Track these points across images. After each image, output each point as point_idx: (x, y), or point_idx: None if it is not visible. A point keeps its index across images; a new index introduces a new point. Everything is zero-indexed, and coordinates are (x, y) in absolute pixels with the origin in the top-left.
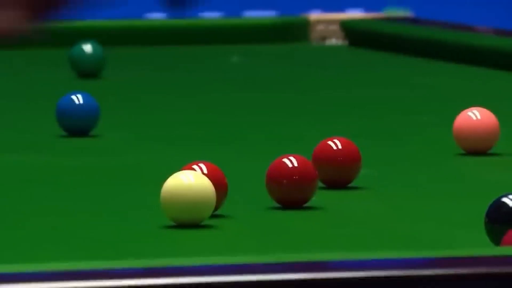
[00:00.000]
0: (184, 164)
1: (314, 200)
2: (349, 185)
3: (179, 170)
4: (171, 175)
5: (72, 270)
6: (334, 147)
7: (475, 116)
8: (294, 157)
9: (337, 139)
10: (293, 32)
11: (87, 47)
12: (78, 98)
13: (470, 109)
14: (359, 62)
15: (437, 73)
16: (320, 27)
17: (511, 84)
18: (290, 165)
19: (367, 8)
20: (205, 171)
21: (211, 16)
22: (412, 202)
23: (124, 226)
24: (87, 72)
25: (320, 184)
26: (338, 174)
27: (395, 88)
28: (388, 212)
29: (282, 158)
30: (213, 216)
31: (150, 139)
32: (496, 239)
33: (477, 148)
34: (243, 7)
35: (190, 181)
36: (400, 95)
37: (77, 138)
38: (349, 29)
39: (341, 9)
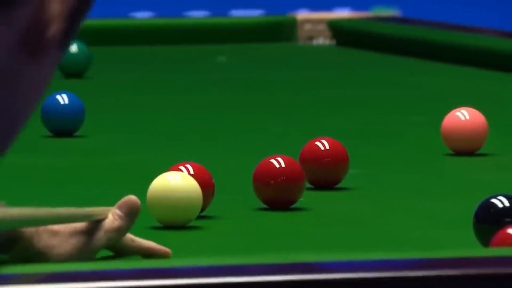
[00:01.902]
0: (171, 164)
1: (301, 201)
2: (337, 185)
3: (166, 171)
4: (157, 176)
5: (58, 271)
6: (322, 148)
7: (463, 116)
8: (281, 158)
9: (325, 140)
10: (280, 31)
11: (72, 47)
12: (63, 98)
13: (458, 109)
14: (346, 61)
15: (425, 72)
16: (308, 27)
17: (500, 84)
18: (277, 166)
19: (355, 8)
20: (192, 171)
21: (197, 15)
22: (400, 202)
23: None
24: (72, 72)
25: (308, 185)
26: (325, 175)
27: (383, 88)
28: (377, 213)
29: (269, 159)
30: (200, 217)
31: (136, 140)
32: (485, 240)
33: (465, 148)
34: (230, 6)
35: (177, 182)
36: (387, 95)
37: (62, 139)
38: (337, 29)
39: (328, 8)
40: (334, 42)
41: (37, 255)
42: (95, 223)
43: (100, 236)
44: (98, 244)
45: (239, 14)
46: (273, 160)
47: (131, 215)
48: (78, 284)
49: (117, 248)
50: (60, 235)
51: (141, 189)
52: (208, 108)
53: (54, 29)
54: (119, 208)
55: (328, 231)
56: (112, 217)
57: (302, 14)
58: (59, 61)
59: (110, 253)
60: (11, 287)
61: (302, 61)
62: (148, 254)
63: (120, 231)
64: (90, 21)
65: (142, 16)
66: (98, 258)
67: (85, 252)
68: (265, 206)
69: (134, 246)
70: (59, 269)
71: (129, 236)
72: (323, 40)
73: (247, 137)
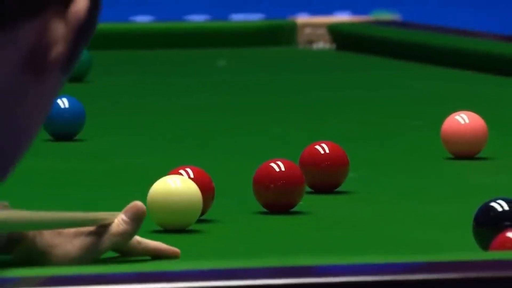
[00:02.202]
0: (171, 168)
1: (301, 205)
2: (337, 189)
3: (166, 175)
4: (157, 179)
5: (60, 275)
6: (322, 151)
7: (463, 120)
8: (281, 162)
9: (325, 143)
10: (280, 35)
11: None
12: (63, 102)
13: (458, 112)
14: (347, 65)
15: (425, 76)
16: (308, 31)
17: (500, 88)
18: (277, 170)
19: (355, 12)
20: (192, 175)
21: (197, 19)
22: (400, 206)
23: None
24: (72, 75)
25: (307, 189)
26: (325, 179)
27: (383, 91)
28: (376, 216)
29: (269, 163)
30: (200, 220)
31: (136, 143)
32: (484, 243)
33: (465, 151)
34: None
35: (177, 185)
36: (387, 98)
37: (63, 142)
38: (337, 33)
39: (328, 12)
40: (334, 46)
41: (39, 255)
42: (101, 227)
43: (104, 239)
44: (102, 246)
45: (239, 18)
46: (273, 164)
47: (136, 220)
48: (79, 287)
49: (124, 250)
50: (63, 235)
51: (142, 192)
52: (208, 112)
53: (58, 50)
54: (125, 213)
55: (328, 234)
56: (117, 221)
57: (302, 18)
58: (62, 84)
59: (115, 254)
60: None
61: (302, 65)
62: (156, 255)
63: (124, 235)
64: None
65: (143, 20)
66: (101, 261)
67: (88, 254)
68: (265, 209)
69: (140, 248)
70: (60, 273)
71: (136, 238)
72: (323, 44)
73: (247, 140)
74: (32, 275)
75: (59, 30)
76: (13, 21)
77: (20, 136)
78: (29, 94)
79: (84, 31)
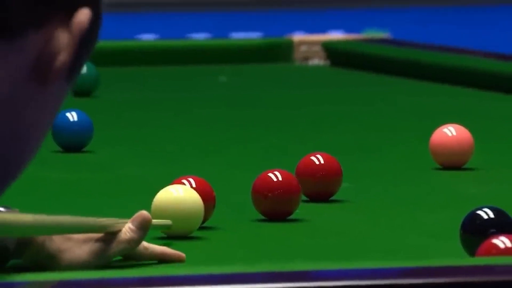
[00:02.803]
0: (174, 178)
1: (297, 213)
2: (331, 198)
3: (169, 184)
4: (161, 189)
5: (67, 280)
6: (317, 162)
7: (450, 133)
8: (278, 172)
9: (320, 155)
10: (278, 52)
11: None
12: (72, 116)
13: (445, 125)
14: (340, 81)
15: (414, 91)
16: (303, 48)
17: (485, 101)
18: (275, 179)
19: (348, 30)
20: (194, 185)
21: (199, 37)
22: (391, 214)
23: None
24: (81, 90)
25: (303, 198)
26: (320, 188)
27: (375, 105)
28: (369, 224)
29: (267, 173)
30: (202, 227)
31: (141, 155)
32: (471, 250)
33: (452, 162)
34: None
35: (180, 194)
36: (379, 112)
37: (72, 154)
38: (331, 50)
39: (323, 31)
40: (328, 62)
41: (48, 259)
42: (110, 234)
43: (112, 246)
44: (109, 253)
45: (239, 36)
46: (270, 174)
47: (142, 229)
48: None
49: (132, 256)
50: (73, 241)
51: (146, 201)
52: (210, 125)
53: (62, 59)
54: (132, 222)
55: (323, 241)
56: (125, 229)
57: (298, 37)
58: (66, 93)
59: (123, 258)
60: None
61: (298, 80)
62: (163, 259)
63: (131, 243)
64: (99, 43)
65: (147, 38)
66: (106, 266)
67: (96, 259)
68: (263, 217)
69: (147, 253)
70: (68, 277)
71: (143, 243)
72: (318, 61)
73: (246, 151)
74: (42, 280)
75: (63, 39)
76: (19, 30)
77: (25, 143)
78: (35, 102)
79: (87, 40)
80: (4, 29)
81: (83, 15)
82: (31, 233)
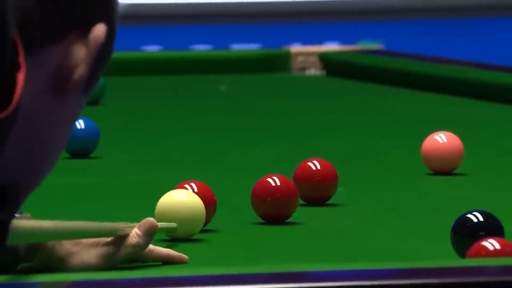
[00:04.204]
0: (177, 183)
1: (295, 216)
2: (327, 202)
3: (173, 189)
4: (164, 193)
5: (80, 280)
6: (313, 168)
7: (441, 139)
8: (276, 177)
9: (316, 160)
10: (276, 63)
11: None
12: (80, 123)
13: (436, 132)
14: (336, 90)
15: (406, 100)
16: (300, 59)
17: (474, 109)
18: (273, 184)
19: (343, 42)
20: (196, 189)
21: (201, 48)
22: (384, 217)
23: None
24: (89, 99)
25: (301, 201)
26: (317, 192)
27: (369, 113)
28: (363, 227)
29: (266, 178)
30: (203, 230)
31: (146, 160)
32: (461, 252)
33: (443, 168)
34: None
35: (182, 198)
36: (373, 120)
37: (79, 160)
38: (327, 61)
39: (319, 42)
40: (324, 72)
41: (58, 262)
42: (117, 238)
43: (120, 250)
44: (117, 256)
45: (238, 47)
46: (269, 179)
47: (148, 235)
48: None
49: (138, 258)
50: (82, 245)
51: (150, 205)
52: (211, 132)
53: (79, 73)
54: (139, 227)
55: (319, 243)
56: (132, 235)
57: (296, 48)
58: (82, 105)
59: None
60: None
61: (295, 89)
62: (167, 260)
63: (137, 248)
64: None
65: (152, 49)
66: (114, 268)
67: (103, 263)
68: (262, 220)
69: (153, 254)
70: (80, 278)
71: (149, 246)
72: (314, 71)
73: (246, 157)
74: (56, 280)
75: (80, 53)
76: (39, 45)
77: (45, 154)
78: (53, 114)
79: (103, 55)
80: (27, 44)
81: (99, 30)
82: (51, 239)
